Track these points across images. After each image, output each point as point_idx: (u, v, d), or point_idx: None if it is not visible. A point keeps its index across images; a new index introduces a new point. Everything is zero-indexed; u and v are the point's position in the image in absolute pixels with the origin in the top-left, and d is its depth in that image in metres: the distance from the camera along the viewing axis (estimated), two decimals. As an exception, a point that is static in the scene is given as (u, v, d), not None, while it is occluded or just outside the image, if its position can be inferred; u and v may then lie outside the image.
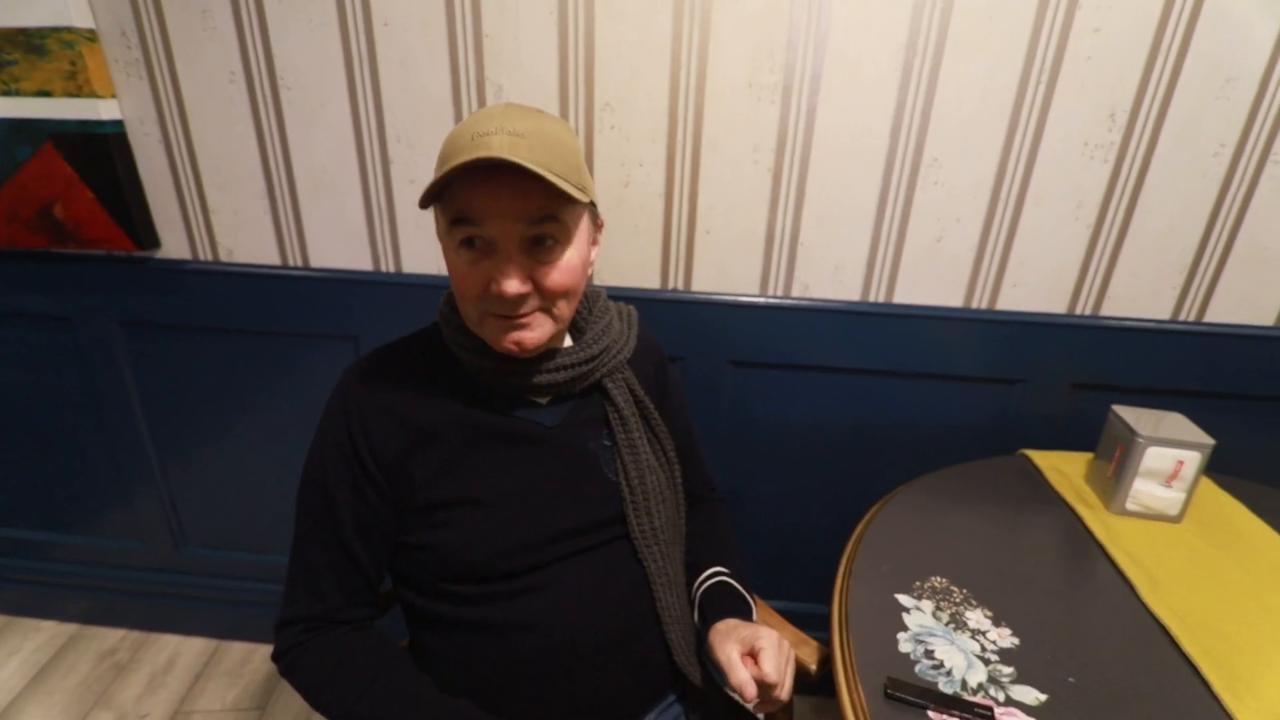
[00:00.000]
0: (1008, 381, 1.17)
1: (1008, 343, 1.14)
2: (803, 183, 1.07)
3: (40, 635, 1.61)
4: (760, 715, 0.83)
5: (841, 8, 0.96)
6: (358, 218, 1.16)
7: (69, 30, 1.06)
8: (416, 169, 1.12)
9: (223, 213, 1.19)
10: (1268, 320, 1.11)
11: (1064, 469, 1.05)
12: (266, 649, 1.58)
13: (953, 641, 0.71)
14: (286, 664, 0.68)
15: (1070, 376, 1.15)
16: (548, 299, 0.63)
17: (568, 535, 0.70)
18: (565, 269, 0.62)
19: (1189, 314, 1.12)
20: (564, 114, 1.05)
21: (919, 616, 0.75)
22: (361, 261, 1.19)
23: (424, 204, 0.60)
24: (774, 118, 1.03)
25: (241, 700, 1.46)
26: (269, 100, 1.10)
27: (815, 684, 0.79)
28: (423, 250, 1.18)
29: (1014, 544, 0.89)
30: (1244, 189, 1.03)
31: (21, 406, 1.40)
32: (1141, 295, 1.11)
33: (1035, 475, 1.04)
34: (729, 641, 0.66)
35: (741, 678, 0.61)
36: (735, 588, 0.78)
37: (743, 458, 1.27)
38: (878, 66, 0.99)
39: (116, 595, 1.57)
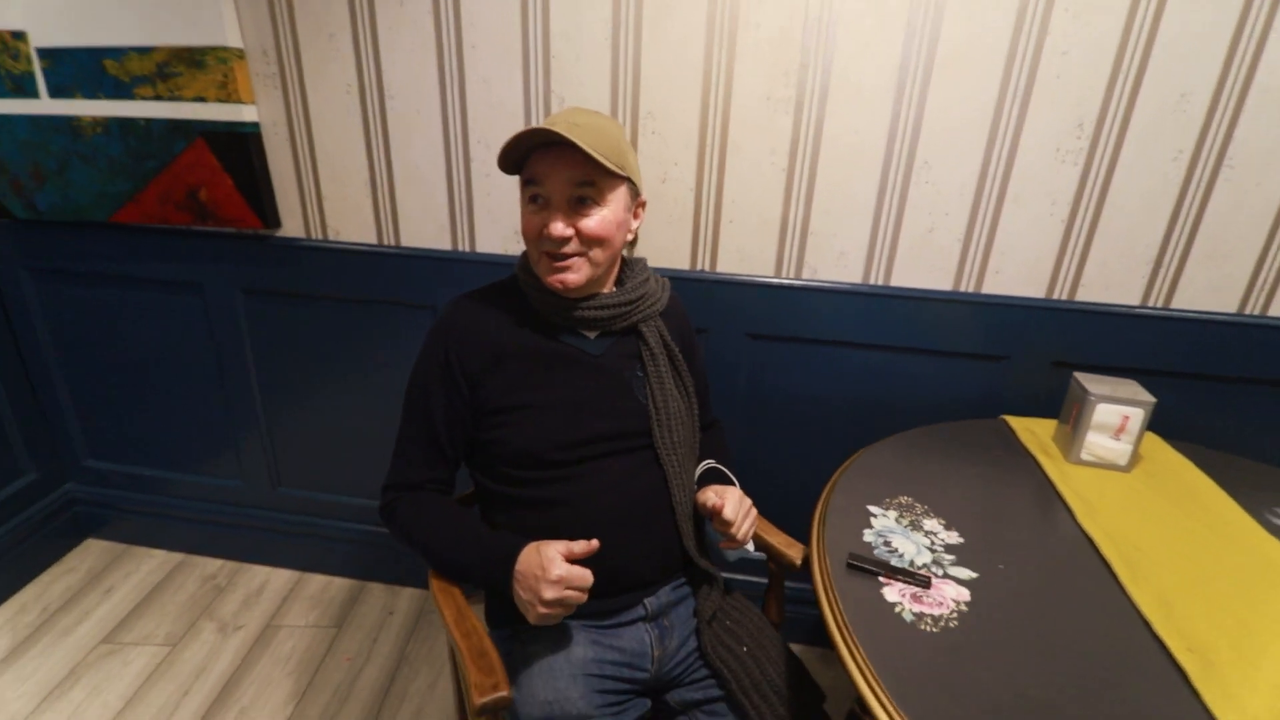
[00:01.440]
0: (994, 358, 1.33)
1: (993, 323, 1.30)
2: (812, 181, 1.26)
3: (153, 560, 1.90)
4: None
5: (844, 35, 1.16)
6: (442, 206, 1.41)
7: (224, 49, 1.34)
8: (492, 166, 1.35)
9: (333, 199, 1.45)
10: (1231, 308, 1.25)
11: (1036, 430, 1.21)
12: (344, 581, 1.83)
13: (908, 537, 0.89)
14: (387, 514, 0.92)
15: (1051, 355, 1.31)
16: (586, 244, 0.86)
17: (604, 438, 0.91)
18: (599, 221, 0.85)
19: (1157, 300, 1.26)
20: (614, 112, 1.28)
21: (883, 520, 0.93)
22: (443, 242, 1.44)
23: (506, 169, 0.84)
24: (788, 126, 1.23)
25: (322, 619, 1.71)
26: (377, 108, 1.35)
27: (799, 571, 0.97)
28: (493, 234, 1.41)
29: (976, 479, 1.05)
30: (1201, 191, 1.18)
31: (153, 359, 1.68)
32: (1113, 282, 1.26)
33: (1008, 433, 1.20)
34: (708, 491, 0.91)
35: (707, 501, 0.88)
36: (723, 471, 1.00)
37: (758, 417, 1.45)
38: (876, 84, 1.19)
39: (218, 528, 1.84)
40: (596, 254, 0.88)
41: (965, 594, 0.80)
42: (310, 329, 1.57)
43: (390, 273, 1.47)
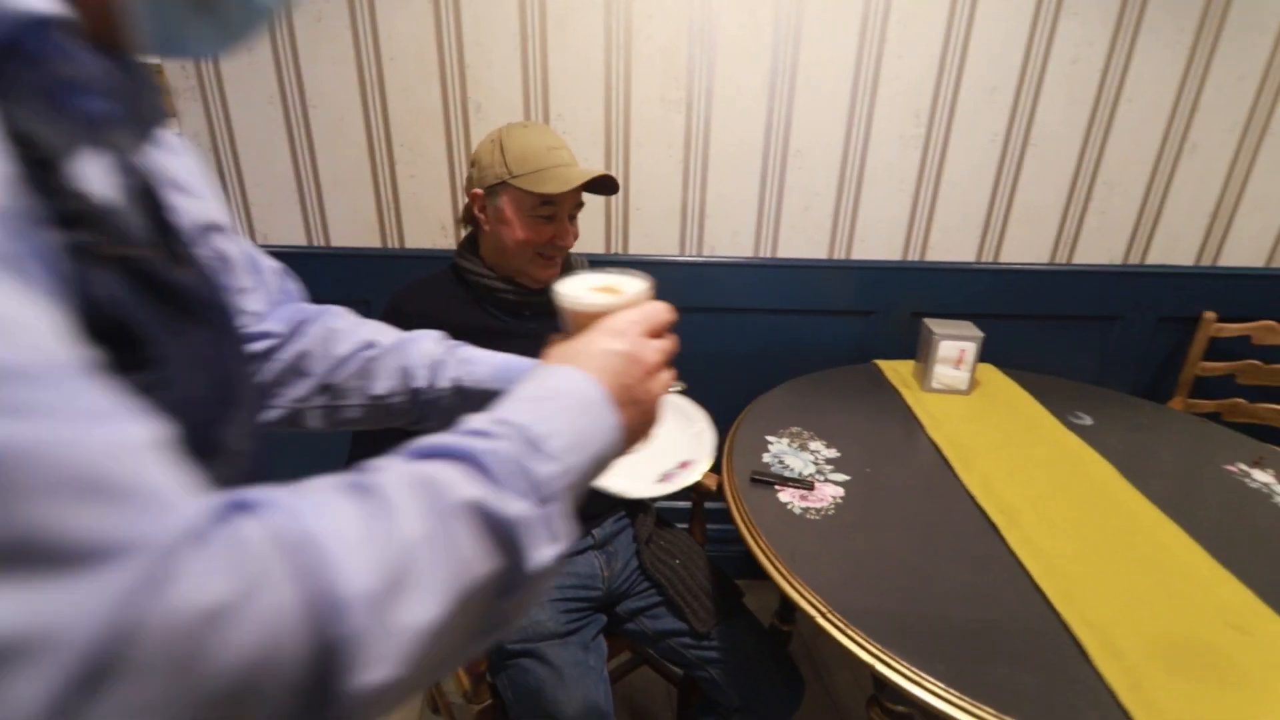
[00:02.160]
0: (864, 313, 1.58)
1: (861, 283, 1.55)
2: (705, 171, 1.46)
3: None
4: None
5: (724, 46, 1.36)
6: (369, 206, 1.51)
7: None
8: (415, 167, 1.47)
9: (260, 205, 1.52)
10: (1044, 259, 1.55)
11: (899, 369, 1.46)
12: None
13: (797, 455, 1.11)
14: None
15: (910, 307, 1.57)
16: (568, 249, 1.03)
17: None
18: (577, 230, 1.03)
19: (988, 256, 1.55)
20: (526, 116, 1.43)
21: (778, 445, 1.14)
22: (373, 240, 1.54)
23: (541, 194, 0.97)
24: (681, 124, 1.42)
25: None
26: (300, 117, 1.44)
27: (715, 493, 1.17)
28: (420, 230, 1.53)
29: (852, 409, 1.29)
30: (1014, 165, 1.46)
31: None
32: (954, 244, 1.53)
33: (878, 373, 1.45)
34: None
35: None
36: None
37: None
38: (752, 87, 1.39)
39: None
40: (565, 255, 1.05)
41: (840, 491, 1.02)
42: (244, 331, 1.63)
43: (322, 271, 1.55)
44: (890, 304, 1.57)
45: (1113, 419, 1.28)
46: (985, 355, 1.48)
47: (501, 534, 0.32)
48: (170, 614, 0.22)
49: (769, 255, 1.54)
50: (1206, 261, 1.56)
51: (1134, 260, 1.55)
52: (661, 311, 0.51)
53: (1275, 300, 1.56)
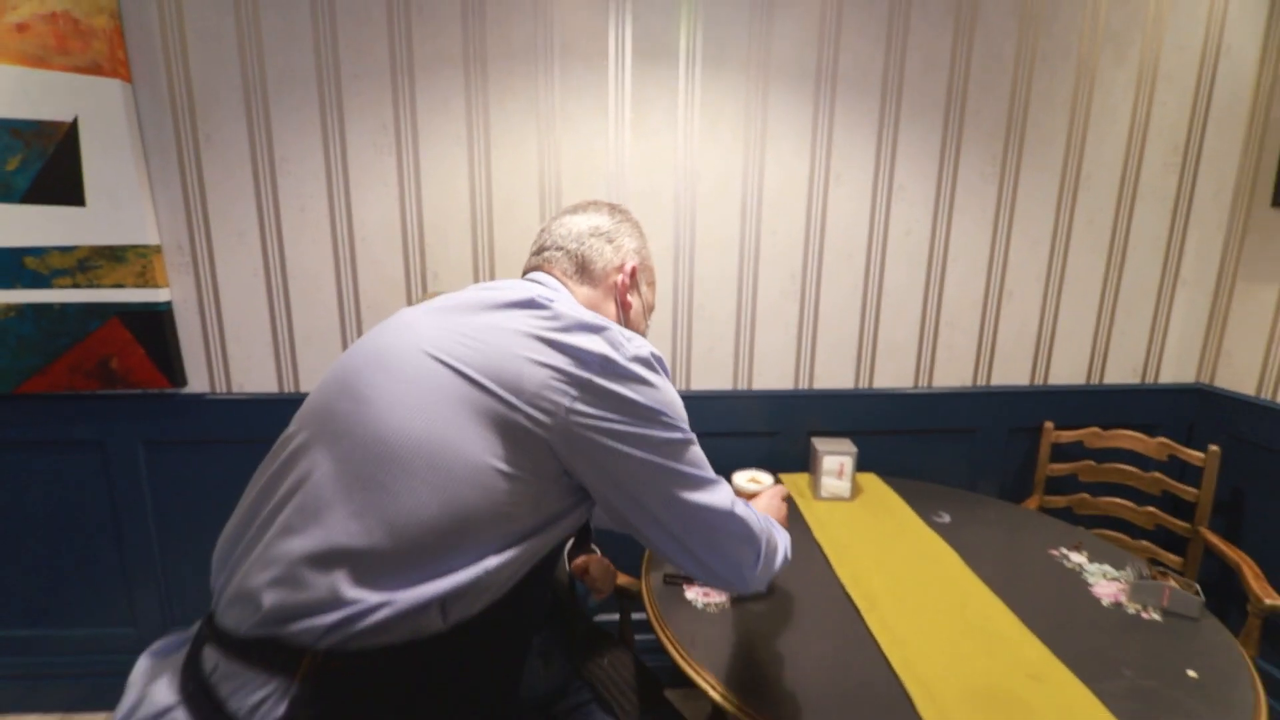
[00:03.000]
0: (767, 434, 1.85)
1: (763, 409, 1.84)
2: (626, 320, 1.76)
3: (26, 728, 1.87)
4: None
5: (633, 188, 1.70)
6: (338, 354, 1.74)
7: (143, 246, 1.64)
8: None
9: (238, 359, 1.74)
10: (908, 384, 1.87)
11: (798, 482, 1.72)
12: None
13: (705, 560, 1.32)
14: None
15: (805, 428, 1.85)
16: None
17: None
18: None
19: (863, 383, 1.86)
20: (476, 279, 1.71)
21: (689, 552, 1.35)
22: (339, 385, 1.76)
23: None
24: (604, 284, 1.74)
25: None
26: (280, 287, 1.69)
27: (635, 595, 1.35)
28: (382, 375, 1.76)
29: (755, 520, 1.52)
30: (874, 312, 1.81)
31: (45, 518, 1.79)
32: (835, 374, 1.85)
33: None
34: (580, 558, 1.26)
35: (576, 564, 1.23)
36: (587, 544, 1.37)
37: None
38: (660, 257, 1.73)
39: (108, 679, 1.88)
40: None
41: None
42: (211, 473, 1.78)
43: (292, 414, 1.75)
44: (789, 425, 1.85)
45: (968, 516, 1.55)
46: (870, 466, 1.76)
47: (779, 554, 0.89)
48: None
49: (684, 388, 1.82)
50: (1039, 381, 1.91)
51: (981, 382, 1.89)
52: (784, 491, 1.16)
53: (1095, 410, 1.91)
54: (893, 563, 1.33)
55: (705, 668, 1.02)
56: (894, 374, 1.86)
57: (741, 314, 1.79)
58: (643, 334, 1.01)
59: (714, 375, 1.82)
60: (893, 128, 1.71)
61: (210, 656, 0.60)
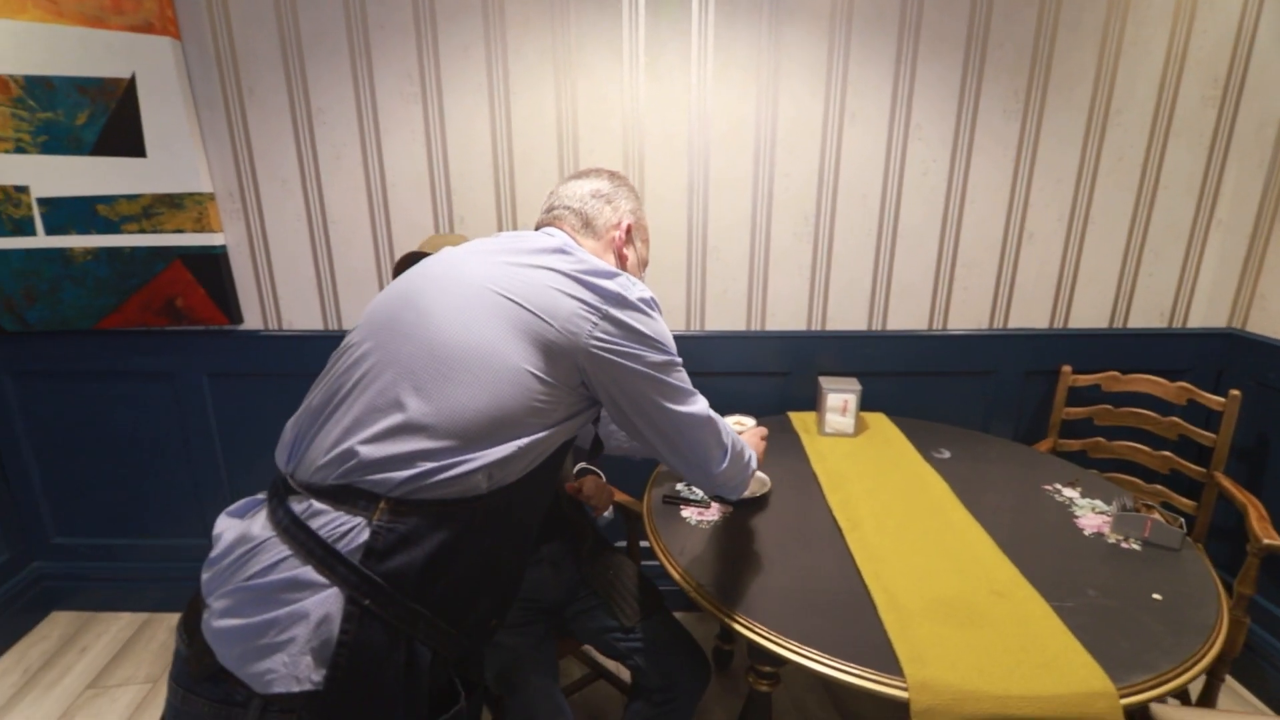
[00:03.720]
0: (779, 374, 1.91)
1: (775, 350, 1.89)
2: (642, 262, 1.83)
3: (120, 621, 2.15)
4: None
5: (650, 166, 1.76)
6: (374, 294, 1.87)
7: (198, 194, 1.79)
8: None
9: (286, 298, 1.89)
10: (922, 326, 1.89)
11: (805, 419, 1.78)
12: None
13: (704, 485, 1.41)
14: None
15: (816, 369, 1.90)
16: None
17: None
18: None
19: (876, 325, 1.89)
20: (499, 228, 1.81)
21: (690, 477, 1.45)
22: (376, 324, 1.90)
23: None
24: (621, 227, 1.80)
25: (286, 644, 2.03)
26: (323, 232, 1.82)
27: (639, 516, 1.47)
28: (415, 314, 1.89)
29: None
30: (889, 254, 1.83)
31: (125, 441, 2.01)
32: (847, 316, 1.88)
33: (787, 423, 1.77)
34: (580, 480, 1.38)
35: (571, 486, 1.35)
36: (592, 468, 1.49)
37: (627, 436, 1.97)
38: (674, 199, 1.78)
39: (186, 583, 2.14)
40: None
41: (729, 509, 1.32)
42: (267, 401, 1.97)
43: (334, 348, 1.90)
44: (800, 366, 1.90)
45: (969, 453, 1.59)
46: (880, 406, 1.82)
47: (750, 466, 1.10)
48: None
49: (698, 329, 1.89)
50: (1059, 325, 1.90)
51: (998, 325, 1.89)
52: (761, 431, 1.33)
53: (1117, 354, 1.89)
54: (883, 491, 1.40)
55: (691, 573, 1.12)
56: (908, 316, 1.88)
57: (755, 255, 1.83)
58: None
59: (728, 316, 1.88)
60: (910, 64, 1.69)
61: (298, 502, 0.78)
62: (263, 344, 1.91)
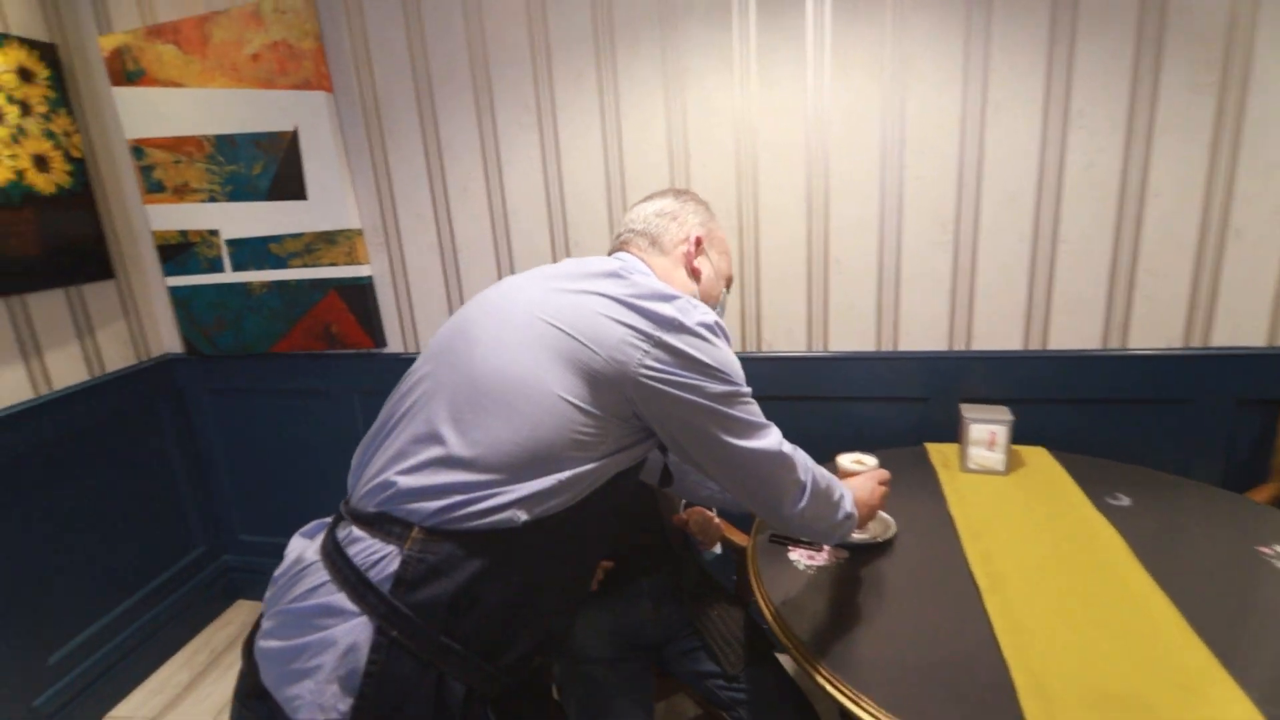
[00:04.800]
0: (916, 400, 1.72)
1: (910, 373, 1.70)
2: (758, 280, 1.73)
3: (291, 614, 2.40)
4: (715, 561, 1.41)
5: (764, 178, 1.66)
6: (497, 320, 1.94)
7: (349, 230, 1.96)
8: (531, 289, 1.89)
9: (423, 324, 2.02)
10: (1094, 344, 1.61)
11: (945, 451, 1.58)
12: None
13: (817, 524, 1.28)
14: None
15: (959, 394, 1.68)
16: None
17: None
18: None
19: (1034, 344, 1.64)
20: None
21: (803, 514, 1.32)
22: (499, 347, 1.97)
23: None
24: (735, 246, 1.72)
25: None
26: (453, 261, 1.93)
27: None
28: (535, 337, 1.93)
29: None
30: (1048, 261, 1.58)
31: (296, 450, 2.25)
32: (997, 333, 1.65)
33: (923, 454, 1.58)
34: (686, 511, 1.32)
35: (677, 518, 1.28)
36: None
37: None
38: (792, 209, 1.67)
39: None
40: None
41: (845, 553, 1.18)
42: (407, 419, 2.10)
43: (463, 372, 2.00)
44: (940, 391, 1.69)
45: (1156, 501, 1.31)
46: (1039, 439, 1.58)
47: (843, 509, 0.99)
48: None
49: (821, 349, 1.75)
50: (1284, 341, 1.53)
51: (1195, 343, 1.56)
52: (882, 474, 1.17)
53: (1374, 380, 1.48)
54: (1037, 544, 1.18)
55: (789, 624, 1.01)
56: (1074, 332, 1.61)
57: (884, 267, 1.66)
58: (718, 298, 1.09)
59: (854, 334, 1.72)
60: (1068, 41, 1.45)
61: (342, 528, 0.80)
62: (403, 366, 2.02)
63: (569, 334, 0.79)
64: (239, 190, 2.00)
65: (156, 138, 2.01)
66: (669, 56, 1.64)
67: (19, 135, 1.77)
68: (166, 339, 2.25)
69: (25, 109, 1.79)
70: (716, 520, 1.37)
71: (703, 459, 0.86)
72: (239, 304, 2.11)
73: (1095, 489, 1.36)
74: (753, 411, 0.87)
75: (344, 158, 1.92)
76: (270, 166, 1.95)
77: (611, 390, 0.78)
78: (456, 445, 0.76)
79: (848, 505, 0.99)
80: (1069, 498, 1.34)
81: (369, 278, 2.02)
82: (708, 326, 0.83)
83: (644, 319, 0.80)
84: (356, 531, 0.77)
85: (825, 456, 1.58)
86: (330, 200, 1.94)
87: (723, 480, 0.89)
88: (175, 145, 2.00)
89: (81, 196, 1.97)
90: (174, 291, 2.15)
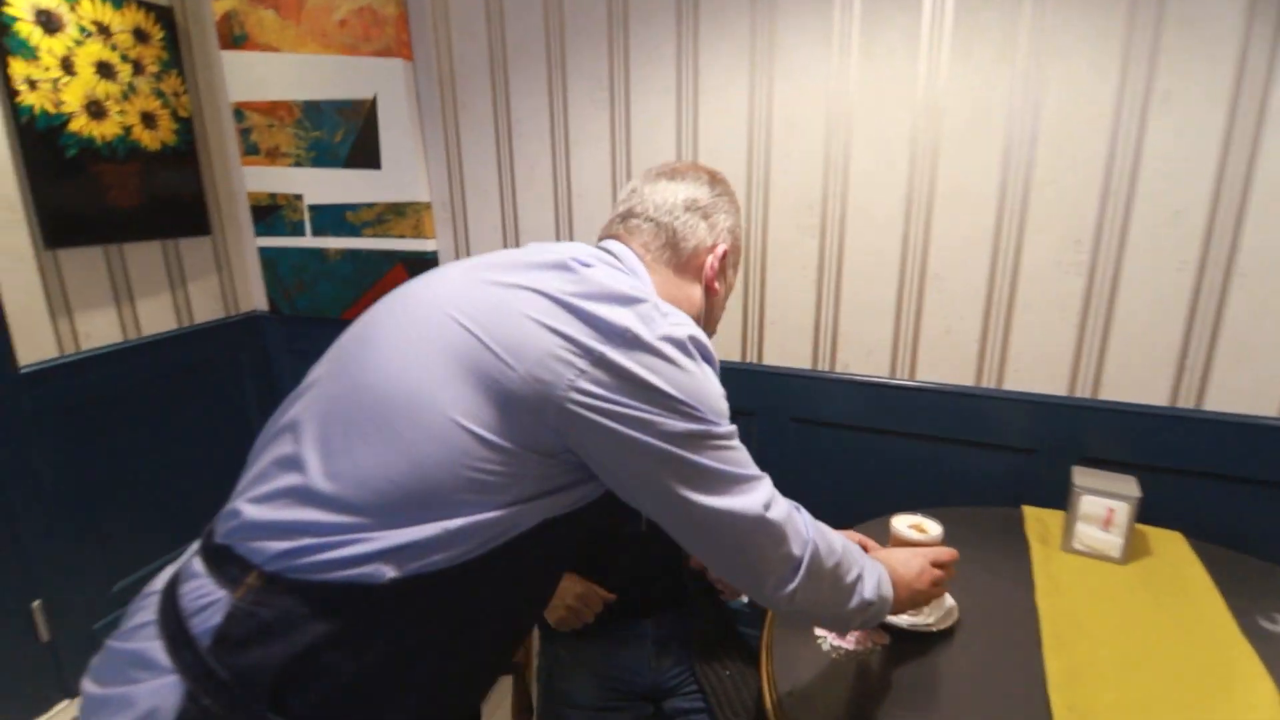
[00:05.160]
0: (1020, 450, 1.42)
1: (1017, 417, 1.41)
2: (838, 290, 1.50)
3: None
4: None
5: (856, 175, 1.42)
6: (554, 309, 1.83)
7: (418, 203, 1.92)
8: (590, 279, 1.76)
9: (480, 304, 1.95)
10: (1270, 411, 1.25)
11: (1045, 520, 1.28)
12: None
13: (861, 592, 1.06)
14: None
15: (1079, 450, 1.37)
16: None
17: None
18: None
19: (1187, 401, 1.30)
20: (678, 245, 1.63)
21: (846, 576, 1.11)
22: (554, 336, 1.86)
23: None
24: (814, 247, 1.50)
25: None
26: (513, 240, 1.84)
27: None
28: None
29: (963, 556, 1.17)
30: (1215, 297, 1.23)
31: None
32: (1137, 381, 1.32)
33: (1017, 521, 1.29)
34: None
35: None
36: None
37: (797, 492, 1.64)
38: (886, 214, 1.42)
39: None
40: None
41: (886, 639, 0.96)
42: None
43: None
44: (1053, 444, 1.39)
45: (1337, 632, 0.98)
46: (1176, 522, 1.26)
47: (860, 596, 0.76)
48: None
49: (906, 377, 1.49)
50: None
51: None
52: (943, 554, 0.92)
53: None
54: (1146, 669, 0.90)
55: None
56: (1242, 392, 1.26)
57: (996, 287, 1.38)
58: (718, 319, 0.91)
59: (948, 364, 1.45)
60: (1273, 17, 1.10)
61: (194, 558, 0.65)
62: (460, 346, 2.00)
63: (481, 340, 0.61)
64: (321, 156, 2.01)
65: (255, 101, 2.06)
66: (759, 25, 1.43)
67: (129, 93, 1.86)
68: (255, 296, 2.33)
69: (138, 68, 1.88)
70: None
71: (656, 515, 0.66)
72: (316, 268, 2.14)
73: (1245, 602, 1.04)
74: (730, 459, 0.66)
75: (418, 129, 1.87)
76: (350, 134, 1.94)
77: (529, 418, 0.60)
78: (316, 476, 0.60)
79: (869, 590, 0.77)
80: (1205, 609, 1.03)
81: (434, 252, 1.97)
82: (676, 343, 0.63)
83: (584, 326, 0.61)
84: (196, 565, 0.63)
85: (897, 504, 1.34)
86: (402, 171, 1.91)
87: (685, 545, 0.69)
88: (270, 109, 2.04)
89: (185, 155, 2.05)
90: (262, 251, 2.22)
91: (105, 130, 1.80)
